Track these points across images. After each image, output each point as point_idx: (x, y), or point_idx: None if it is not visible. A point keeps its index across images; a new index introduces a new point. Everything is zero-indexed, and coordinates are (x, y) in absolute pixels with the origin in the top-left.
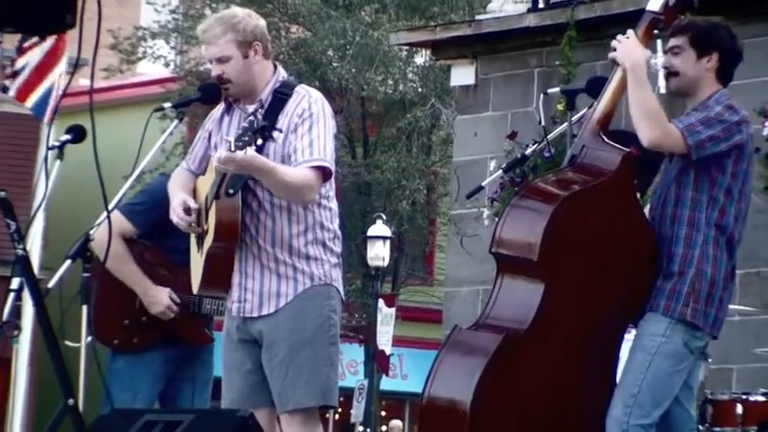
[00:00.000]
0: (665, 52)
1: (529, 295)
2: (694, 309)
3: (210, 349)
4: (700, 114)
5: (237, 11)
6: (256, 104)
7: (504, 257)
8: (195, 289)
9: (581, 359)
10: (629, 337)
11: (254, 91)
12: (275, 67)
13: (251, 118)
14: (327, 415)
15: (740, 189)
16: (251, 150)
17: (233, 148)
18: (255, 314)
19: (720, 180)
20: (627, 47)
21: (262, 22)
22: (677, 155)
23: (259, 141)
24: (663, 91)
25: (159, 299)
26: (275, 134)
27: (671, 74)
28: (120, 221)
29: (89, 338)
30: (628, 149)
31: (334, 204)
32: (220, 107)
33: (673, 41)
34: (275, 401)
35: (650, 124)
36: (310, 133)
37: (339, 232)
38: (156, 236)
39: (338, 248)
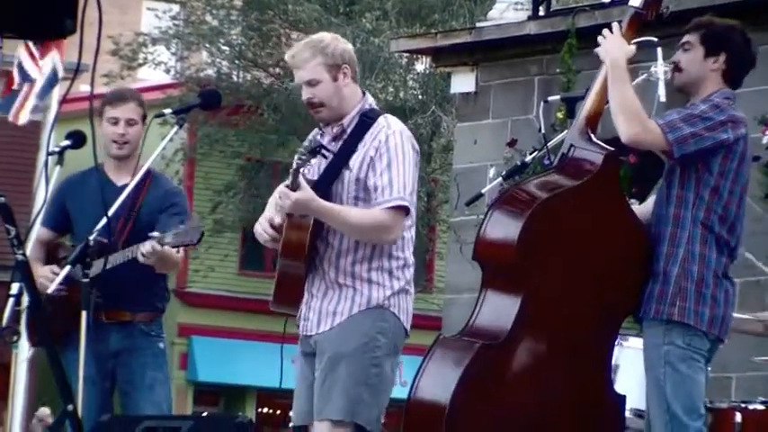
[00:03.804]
0: (679, 47)
1: (507, 306)
2: (682, 307)
3: (156, 351)
4: (683, 112)
5: (325, 35)
6: (337, 128)
7: (484, 264)
8: (271, 304)
9: (566, 365)
10: (631, 344)
11: (345, 114)
12: (363, 93)
13: (309, 137)
14: None
15: (729, 188)
16: (310, 192)
17: (295, 166)
18: (314, 332)
19: (707, 178)
20: (608, 43)
21: (349, 47)
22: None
23: (313, 161)
24: (663, 99)
25: (38, 273)
26: (327, 154)
27: (676, 69)
28: (37, 230)
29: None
30: (612, 148)
31: (408, 233)
32: (315, 130)
33: (686, 38)
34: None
35: (628, 120)
36: (389, 171)
37: (411, 259)
38: (71, 226)
39: (408, 276)
